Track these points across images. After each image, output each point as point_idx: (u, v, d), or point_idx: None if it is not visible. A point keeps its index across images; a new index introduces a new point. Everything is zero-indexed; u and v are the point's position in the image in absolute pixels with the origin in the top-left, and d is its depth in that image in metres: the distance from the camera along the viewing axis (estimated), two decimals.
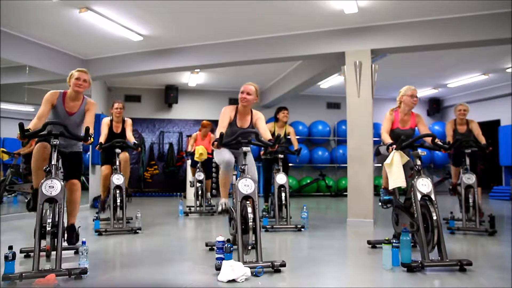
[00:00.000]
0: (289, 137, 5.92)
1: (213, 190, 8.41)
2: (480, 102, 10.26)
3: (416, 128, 4.09)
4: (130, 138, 5.20)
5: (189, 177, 8.31)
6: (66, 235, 3.32)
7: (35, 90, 6.51)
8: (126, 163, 5.21)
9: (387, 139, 3.81)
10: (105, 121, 5.30)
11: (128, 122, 5.36)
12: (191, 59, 6.81)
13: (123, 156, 5.16)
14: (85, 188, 7.59)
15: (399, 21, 5.51)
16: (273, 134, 5.62)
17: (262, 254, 3.01)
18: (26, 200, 3.53)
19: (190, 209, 6.66)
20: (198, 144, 6.89)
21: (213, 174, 9.03)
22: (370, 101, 5.57)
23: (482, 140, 5.02)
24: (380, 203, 4.10)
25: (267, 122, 5.90)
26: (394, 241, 3.13)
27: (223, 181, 3.58)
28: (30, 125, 3.14)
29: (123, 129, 5.33)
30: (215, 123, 3.81)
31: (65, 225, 3.32)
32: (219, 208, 3.60)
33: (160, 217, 6.20)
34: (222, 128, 3.46)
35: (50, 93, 3.43)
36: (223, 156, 3.49)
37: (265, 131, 3.57)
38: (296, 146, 5.81)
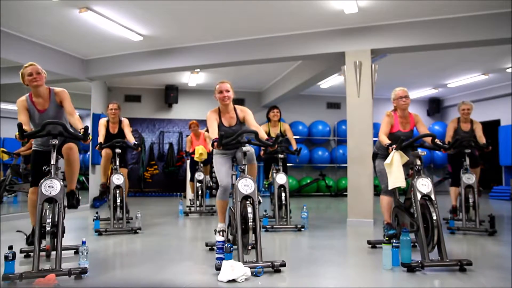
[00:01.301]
0: (286, 137, 5.91)
1: (213, 181, 8.34)
2: (480, 102, 10.25)
3: (415, 128, 4.09)
4: (130, 138, 5.21)
5: (189, 192, 8.13)
6: (66, 201, 3.27)
7: None
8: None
9: (385, 140, 3.80)
10: (102, 122, 5.32)
11: (125, 122, 5.37)
12: (191, 59, 6.81)
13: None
14: (85, 188, 7.61)
15: (399, 21, 5.51)
16: (268, 134, 5.64)
17: (262, 254, 3.01)
18: (25, 236, 3.52)
19: (190, 209, 6.66)
20: (194, 145, 6.93)
21: (213, 174, 9.03)
22: (370, 101, 5.57)
23: (483, 141, 5.03)
24: (385, 238, 3.98)
25: (263, 123, 5.92)
26: (394, 241, 3.13)
27: (220, 206, 3.66)
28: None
29: (120, 130, 5.34)
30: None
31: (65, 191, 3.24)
32: (216, 236, 3.65)
33: (160, 217, 6.20)
34: (213, 132, 3.46)
35: (18, 101, 3.34)
36: (221, 176, 3.54)
37: (258, 128, 3.56)
38: (293, 143, 5.80)
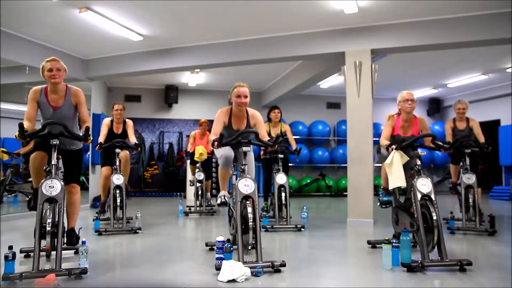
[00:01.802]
0: (286, 137, 5.90)
1: (213, 190, 8.43)
2: (480, 102, 10.26)
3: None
4: (132, 140, 5.25)
5: (189, 176, 8.32)
6: (66, 239, 3.29)
7: None
8: (127, 161, 5.29)
9: (384, 143, 3.79)
10: (106, 122, 5.37)
11: (130, 124, 5.42)
12: (191, 59, 6.81)
13: (123, 154, 5.23)
14: (85, 188, 7.60)
15: (399, 21, 5.51)
16: (269, 134, 5.64)
17: (262, 254, 3.01)
18: (27, 199, 3.52)
19: (190, 209, 6.66)
20: (197, 143, 6.92)
21: (213, 174, 9.03)
22: (370, 101, 5.57)
23: (482, 139, 5.04)
24: (379, 204, 4.12)
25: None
26: (394, 241, 3.13)
27: (222, 175, 3.59)
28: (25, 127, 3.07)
29: (124, 130, 5.39)
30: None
31: (65, 229, 3.28)
32: (218, 201, 3.64)
33: (160, 217, 6.20)
34: (214, 135, 3.42)
35: (32, 90, 3.31)
36: (222, 151, 3.50)
37: (264, 136, 3.56)
38: (293, 144, 5.80)
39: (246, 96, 3.49)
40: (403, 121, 3.97)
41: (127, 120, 5.47)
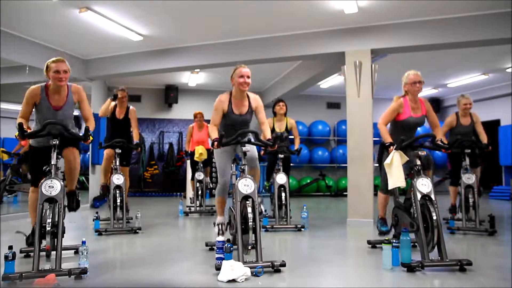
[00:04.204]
0: (292, 137, 5.89)
1: (213, 178, 8.34)
2: (480, 102, 10.23)
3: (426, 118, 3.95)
4: (136, 134, 5.19)
5: (189, 176, 8.24)
6: (66, 201, 3.21)
7: None
8: (125, 176, 5.04)
9: (386, 135, 3.73)
10: (108, 103, 5.34)
11: (133, 113, 5.29)
12: (191, 59, 6.81)
13: (124, 170, 5.03)
14: (85, 188, 7.60)
15: (399, 21, 5.51)
16: (273, 129, 5.60)
17: (262, 254, 3.01)
18: (26, 236, 3.51)
19: (190, 209, 6.66)
20: (195, 137, 6.84)
21: (213, 174, 9.03)
22: (370, 101, 5.57)
23: (484, 137, 5.00)
24: (378, 233, 4.19)
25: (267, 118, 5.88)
26: (394, 241, 3.13)
27: (219, 201, 3.69)
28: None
29: (127, 118, 5.29)
30: None
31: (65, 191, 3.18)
32: (216, 230, 3.68)
33: (160, 217, 6.20)
34: (214, 125, 3.44)
35: (31, 89, 3.21)
36: (220, 171, 3.53)
37: (265, 123, 3.57)
38: (296, 142, 5.78)
39: (248, 77, 3.43)
40: (412, 103, 3.86)
41: (131, 107, 5.34)
